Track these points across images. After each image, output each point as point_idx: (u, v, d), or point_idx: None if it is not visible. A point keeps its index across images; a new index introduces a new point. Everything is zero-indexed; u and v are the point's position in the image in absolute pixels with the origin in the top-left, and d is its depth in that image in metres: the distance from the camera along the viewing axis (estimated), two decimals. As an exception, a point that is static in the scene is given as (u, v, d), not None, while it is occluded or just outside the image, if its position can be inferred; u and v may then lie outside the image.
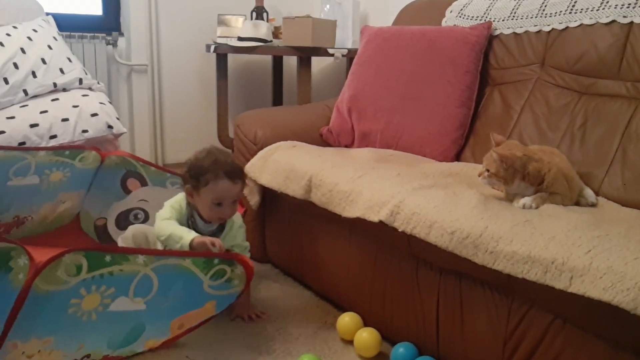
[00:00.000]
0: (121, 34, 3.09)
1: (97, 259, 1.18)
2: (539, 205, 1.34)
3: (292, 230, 1.87)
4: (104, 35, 2.95)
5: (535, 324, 1.17)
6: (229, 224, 1.62)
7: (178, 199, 1.59)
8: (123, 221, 1.97)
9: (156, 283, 1.28)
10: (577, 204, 1.45)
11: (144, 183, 1.96)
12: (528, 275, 1.10)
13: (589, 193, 1.48)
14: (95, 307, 1.21)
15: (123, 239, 1.70)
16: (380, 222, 1.40)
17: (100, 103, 2.19)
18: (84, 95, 2.21)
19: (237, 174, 1.52)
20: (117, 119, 2.19)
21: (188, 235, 1.46)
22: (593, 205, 1.46)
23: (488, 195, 1.41)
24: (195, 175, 1.50)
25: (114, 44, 3.02)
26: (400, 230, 1.35)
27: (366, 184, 1.52)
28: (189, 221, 1.57)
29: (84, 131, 2.08)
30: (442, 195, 1.37)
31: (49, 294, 1.12)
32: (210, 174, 1.48)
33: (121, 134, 2.20)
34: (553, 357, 1.14)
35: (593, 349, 1.08)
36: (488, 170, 1.39)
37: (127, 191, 1.97)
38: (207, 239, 1.45)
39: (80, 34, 2.87)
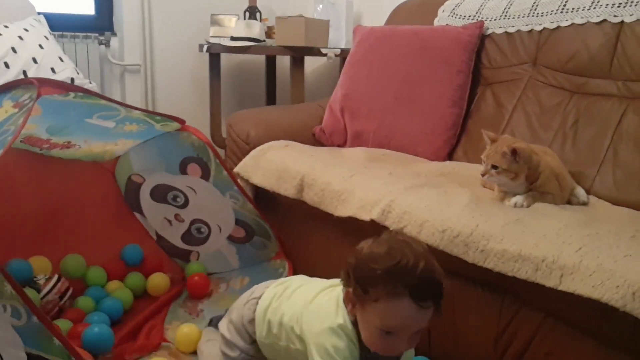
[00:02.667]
0: (114, 34, 3.07)
1: None
2: (530, 204, 1.34)
3: (285, 230, 1.86)
4: (96, 35, 2.94)
5: (526, 322, 1.18)
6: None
7: (334, 309, 1.11)
8: (159, 193, 1.88)
9: None
10: (569, 202, 1.45)
11: (205, 177, 1.82)
12: (518, 274, 1.11)
13: (580, 192, 1.49)
14: None
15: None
16: (372, 221, 1.40)
17: (92, 103, 2.18)
18: (75, 95, 2.20)
19: (430, 292, 1.01)
20: (109, 118, 2.18)
21: None
22: (584, 204, 1.46)
23: (480, 195, 1.41)
24: (361, 280, 1.02)
25: (107, 44, 3.00)
26: (391, 229, 1.35)
27: (358, 184, 1.52)
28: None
29: (76, 131, 2.07)
30: (434, 194, 1.37)
31: None
32: (385, 287, 0.99)
33: (113, 134, 2.19)
34: (544, 355, 1.14)
35: (584, 346, 1.08)
36: (495, 167, 1.35)
37: (184, 172, 1.83)
38: None
39: (73, 33, 2.86)
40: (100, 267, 1.78)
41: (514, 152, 1.33)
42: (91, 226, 1.85)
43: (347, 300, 1.07)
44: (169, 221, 1.90)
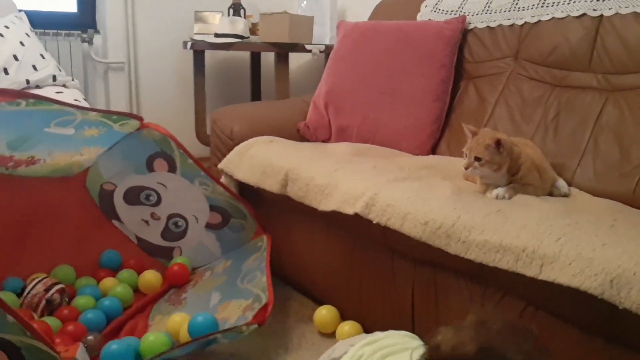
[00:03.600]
0: (97, 32, 3.06)
1: None
2: (511, 196, 1.35)
3: (270, 225, 1.86)
4: (79, 32, 2.92)
5: (508, 311, 1.18)
6: None
7: None
8: (133, 196, 1.89)
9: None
10: (550, 194, 1.46)
11: (172, 169, 1.84)
12: (500, 264, 1.12)
13: (561, 184, 1.50)
14: None
15: None
16: (356, 214, 1.41)
17: (75, 100, 2.17)
18: (57, 92, 2.19)
19: None
20: (92, 116, 2.17)
21: None
22: (566, 195, 1.48)
23: (462, 187, 1.42)
24: None
25: (90, 42, 2.99)
26: (375, 222, 1.36)
27: (342, 178, 1.52)
28: None
29: (58, 128, 2.05)
30: (416, 187, 1.38)
31: None
32: None
33: (96, 131, 2.18)
34: (526, 345, 1.15)
35: (565, 334, 1.09)
36: (479, 159, 1.35)
37: (151, 169, 1.85)
38: None
39: (55, 31, 2.84)
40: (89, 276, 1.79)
41: (498, 143, 1.34)
42: (69, 240, 1.83)
43: None
44: (146, 221, 1.91)
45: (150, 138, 1.78)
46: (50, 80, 2.24)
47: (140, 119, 1.73)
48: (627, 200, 1.43)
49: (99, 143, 1.77)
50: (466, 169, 1.39)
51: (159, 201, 1.88)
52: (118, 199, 1.90)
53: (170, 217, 1.88)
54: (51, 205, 1.81)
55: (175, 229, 1.89)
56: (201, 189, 1.82)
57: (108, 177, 1.88)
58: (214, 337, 1.35)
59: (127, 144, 1.80)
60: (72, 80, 2.33)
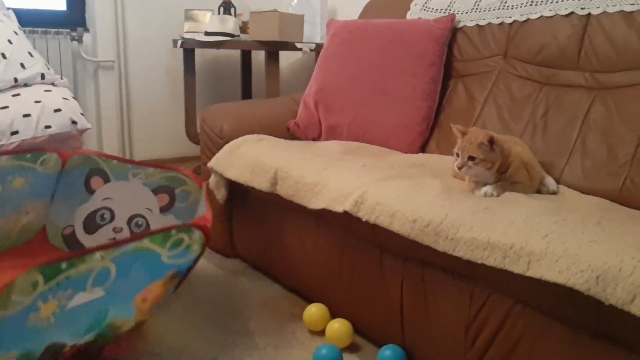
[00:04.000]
0: (86, 30, 3.04)
1: (53, 270, 1.13)
2: (500, 193, 1.36)
3: (260, 224, 1.86)
4: (68, 30, 2.90)
5: (496, 308, 1.19)
6: None
7: None
8: (90, 224, 1.92)
9: (114, 270, 1.25)
10: (539, 192, 1.47)
11: (106, 179, 1.90)
12: (487, 261, 1.12)
13: (550, 181, 1.51)
14: (52, 311, 1.18)
15: None
16: (345, 212, 1.41)
17: (64, 98, 2.16)
18: (46, 91, 2.17)
19: None
20: (82, 114, 2.16)
21: None
22: (554, 193, 1.49)
23: (450, 185, 1.42)
24: None
25: (79, 40, 2.97)
26: (364, 220, 1.36)
27: (332, 176, 1.52)
28: None
29: (47, 127, 2.04)
30: (406, 185, 1.38)
31: (4, 319, 1.08)
32: None
33: (86, 130, 2.17)
34: (514, 341, 1.16)
35: (552, 331, 1.10)
36: (473, 158, 1.35)
37: (91, 191, 1.91)
38: None
39: (44, 29, 2.82)
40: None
41: (491, 141, 1.34)
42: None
43: None
44: (113, 239, 1.91)
45: (75, 165, 1.86)
46: (39, 78, 2.22)
47: (56, 149, 1.79)
48: (614, 198, 1.44)
49: (36, 194, 1.83)
50: (460, 168, 1.37)
51: (113, 215, 1.91)
52: (81, 235, 1.93)
53: (129, 221, 1.90)
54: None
55: (139, 230, 1.90)
56: (138, 180, 1.84)
57: (64, 224, 1.93)
58: (157, 253, 1.33)
59: (63, 186, 1.88)
60: (61, 78, 2.32)
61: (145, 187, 1.85)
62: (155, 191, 1.86)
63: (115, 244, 1.31)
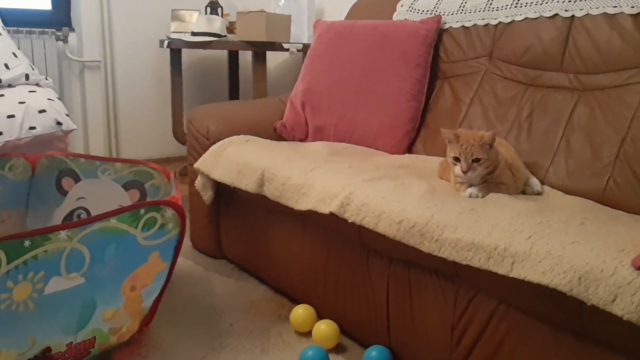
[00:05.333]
0: (72, 30, 3.02)
1: (15, 248, 1.13)
2: (485, 194, 1.37)
3: (247, 225, 1.86)
4: (53, 30, 2.88)
5: (480, 309, 1.20)
6: None
7: None
8: None
9: (87, 253, 1.24)
10: (524, 192, 1.48)
11: (77, 179, 1.86)
12: (472, 262, 1.13)
13: (534, 182, 1.52)
14: (28, 295, 1.17)
15: None
16: (331, 213, 1.41)
17: (49, 99, 2.14)
18: (31, 92, 2.15)
19: None
20: (67, 115, 2.15)
21: None
22: (539, 193, 1.50)
23: (436, 186, 1.43)
24: None
25: (65, 40, 2.95)
26: (350, 221, 1.36)
27: (318, 177, 1.52)
28: None
29: (32, 128, 2.03)
30: (391, 186, 1.38)
31: None
32: None
33: (71, 131, 2.15)
34: (498, 341, 1.17)
35: (536, 331, 1.11)
36: (478, 160, 1.33)
37: (64, 192, 1.88)
38: None
39: (28, 29, 2.80)
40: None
41: (494, 139, 1.34)
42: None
43: None
44: None
45: (45, 168, 1.84)
46: (23, 79, 2.20)
47: (25, 156, 1.78)
48: (598, 198, 1.46)
49: (10, 202, 1.82)
50: (465, 172, 1.34)
51: (89, 214, 1.89)
52: None
53: None
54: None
55: None
56: (107, 177, 1.82)
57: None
58: (126, 231, 1.31)
59: (35, 190, 1.86)
60: (46, 79, 2.30)
61: (115, 184, 1.83)
62: (126, 187, 1.83)
63: (79, 222, 1.28)
